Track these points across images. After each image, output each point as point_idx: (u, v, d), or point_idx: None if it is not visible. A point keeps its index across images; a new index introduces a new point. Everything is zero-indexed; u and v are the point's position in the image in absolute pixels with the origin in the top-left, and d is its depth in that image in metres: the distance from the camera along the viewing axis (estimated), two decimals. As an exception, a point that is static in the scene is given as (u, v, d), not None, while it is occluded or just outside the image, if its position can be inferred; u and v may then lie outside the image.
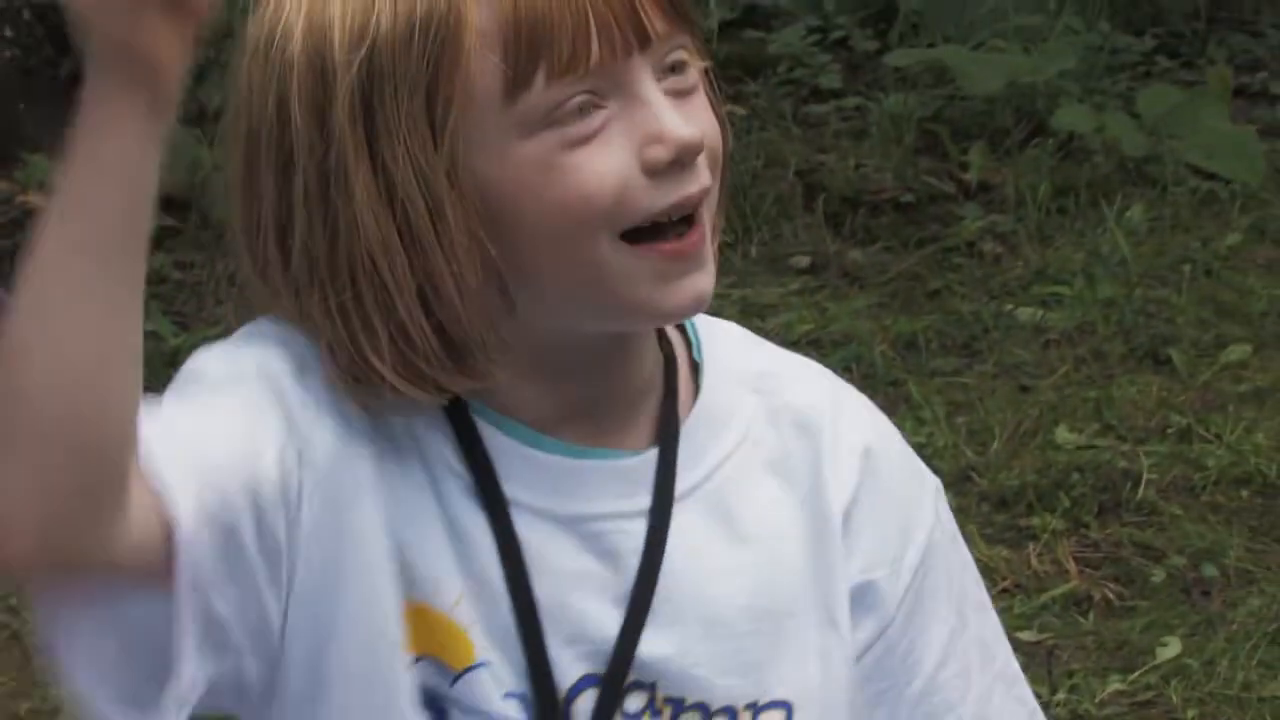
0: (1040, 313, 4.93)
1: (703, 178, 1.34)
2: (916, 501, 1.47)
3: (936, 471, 4.48)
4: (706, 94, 1.38)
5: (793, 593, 1.41)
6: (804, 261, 5.31)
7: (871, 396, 4.85)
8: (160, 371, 4.70)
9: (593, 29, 1.30)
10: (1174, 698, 3.43)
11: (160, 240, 5.33)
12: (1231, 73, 6.22)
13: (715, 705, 1.38)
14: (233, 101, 1.36)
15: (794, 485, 1.42)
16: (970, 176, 5.69)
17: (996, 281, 5.15)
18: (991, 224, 5.42)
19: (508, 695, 1.36)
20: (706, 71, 1.38)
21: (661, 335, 1.42)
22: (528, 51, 1.30)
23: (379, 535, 1.35)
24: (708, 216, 1.36)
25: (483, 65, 1.30)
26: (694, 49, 1.37)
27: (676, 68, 1.35)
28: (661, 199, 1.32)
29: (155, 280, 5.16)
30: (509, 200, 1.32)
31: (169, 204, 5.49)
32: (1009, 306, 4.98)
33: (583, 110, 1.31)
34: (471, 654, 1.36)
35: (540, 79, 1.30)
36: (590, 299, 1.34)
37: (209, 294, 5.18)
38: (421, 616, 1.36)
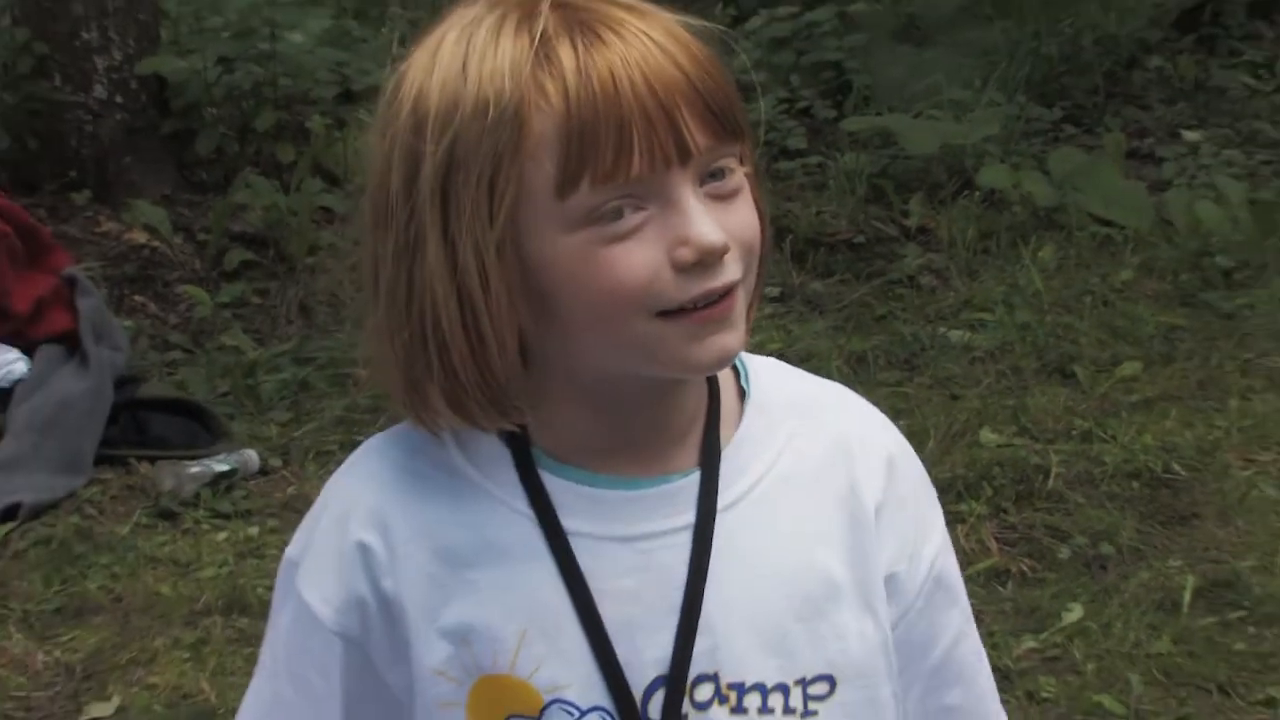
0: (968, 335, 4.92)
1: (730, 273, 1.28)
2: (929, 504, 1.43)
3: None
4: (752, 191, 1.33)
5: (831, 582, 1.36)
6: (774, 291, 5.30)
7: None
8: (240, 381, 4.66)
9: (636, 145, 1.25)
10: (1077, 654, 3.42)
11: (242, 270, 5.33)
12: (1124, 139, 6.23)
13: (770, 684, 1.34)
14: (367, 155, 1.36)
15: (830, 490, 1.38)
16: (911, 222, 5.69)
17: (932, 309, 5.14)
18: (928, 261, 5.42)
19: (592, 709, 1.33)
20: (754, 170, 1.33)
21: None
22: (576, 160, 1.25)
23: (434, 637, 1.34)
24: (741, 292, 1.31)
25: (538, 166, 1.26)
26: (746, 153, 1.32)
27: (718, 173, 1.29)
28: (688, 291, 1.27)
29: (238, 304, 5.15)
30: (555, 281, 1.28)
31: (250, 240, 5.49)
32: (942, 329, 4.97)
33: (622, 212, 1.26)
34: (540, 698, 1.33)
35: (585, 184, 1.26)
36: (627, 359, 1.31)
37: (280, 315, 5.17)
38: (489, 686, 1.33)
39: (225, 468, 4.19)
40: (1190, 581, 3.61)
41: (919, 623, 1.41)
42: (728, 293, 1.29)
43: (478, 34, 1.29)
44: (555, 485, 1.35)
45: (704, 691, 1.34)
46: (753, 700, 1.34)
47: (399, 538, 1.35)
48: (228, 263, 5.34)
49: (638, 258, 1.27)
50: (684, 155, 1.27)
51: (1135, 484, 4.05)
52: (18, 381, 4.40)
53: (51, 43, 5.74)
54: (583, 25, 1.28)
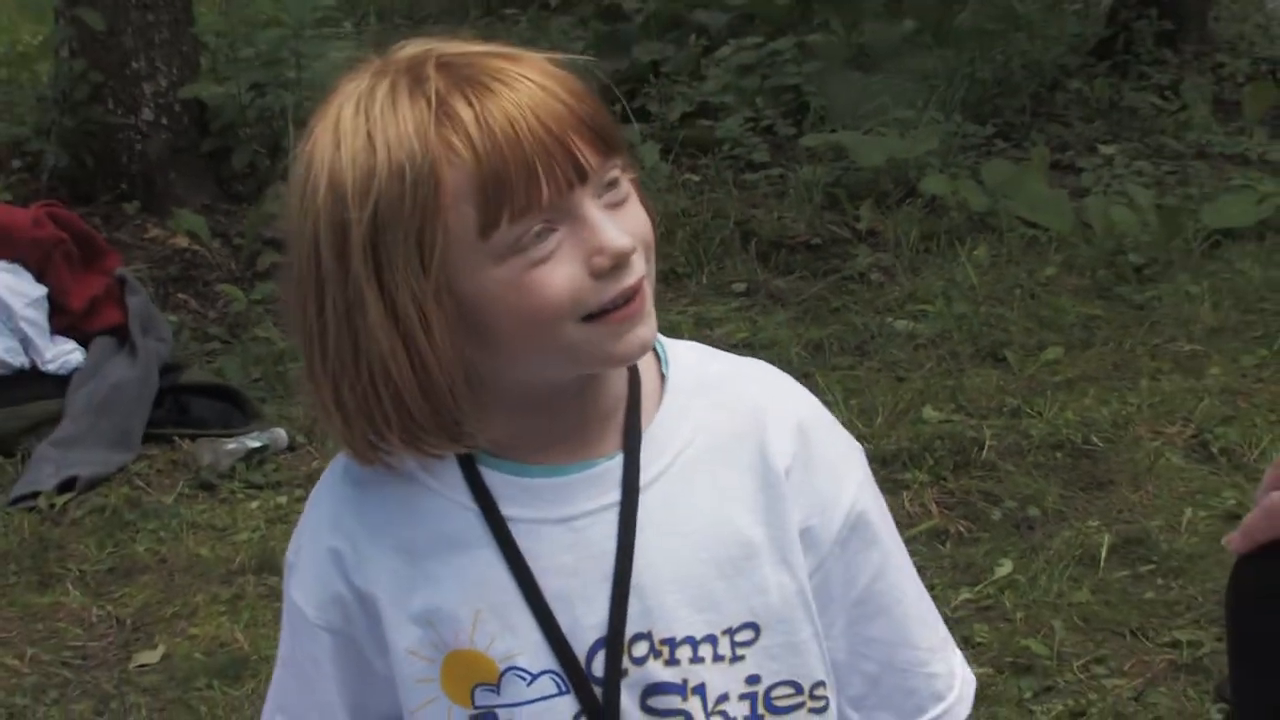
0: (912, 324, 4.90)
1: (637, 270, 1.28)
2: (845, 460, 1.41)
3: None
4: (639, 194, 1.32)
5: (748, 542, 1.35)
6: (741, 287, 5.28)
7: (788, 385, 4.75)
8: (271, 368, 4.63)
9: (541, 177, 1.24)
10: (1007, 604, 3.40)
11: (272, 271, 5.30)
12: (1048, 152, 6.22)
13: (700, 636, 1.34)
14: (286, 233, 1.32)
15: (743, 459, 1.37)
16: (861, 226, 5.67)
17: (880, 301, 5.12)
18: (877, 260, 5.40)
19: (543, 672, 1.32)
20: (638, 176, 1.33)
21: None
22: (495, 202, 1.24)
23: (405, 622, 1.34)
24: (648, 285, 1.30)
25: (459, 214, 1.24)
26: (627, 163, 1.31)
27: (611, 185, 1.28)
28: (607, 293, 1.27)
29: (269, 301, 5.11)
30: (490, 310, 1.27)
31: (280, 244, 5.45)
32: (889, 320, 4.95)
33: (540, 236, 1.25)
34: (497, 667, 1.33)
35: (505, 220, 1.24)
36: (558, 364, 1.30)
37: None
38: (456, 660, 1.34)
39: (258, 444, 4.17)
40: (1106, 539, 3.60)
41: (836, 567, 1.39)
42: (636, 293, 1.28)
43: (373, 105, 1.26)
44: (494, 479, 1.34)
45: (640, 648, 1.33)
46: (684, 652, 1.34)
47: (363, 540, 1.35)
48: (260, 264, 5.31)
49: (560, 274, 1.25)
50: (582, 175, 1.26)
51: (1058, 454, 4.04)
52: (75, 370, 4.37)
53: (105, 72, 5.70)
54: (469, 80, 1.26)
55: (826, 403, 4.84)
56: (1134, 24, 7.29)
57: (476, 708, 1.34)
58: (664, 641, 1.33)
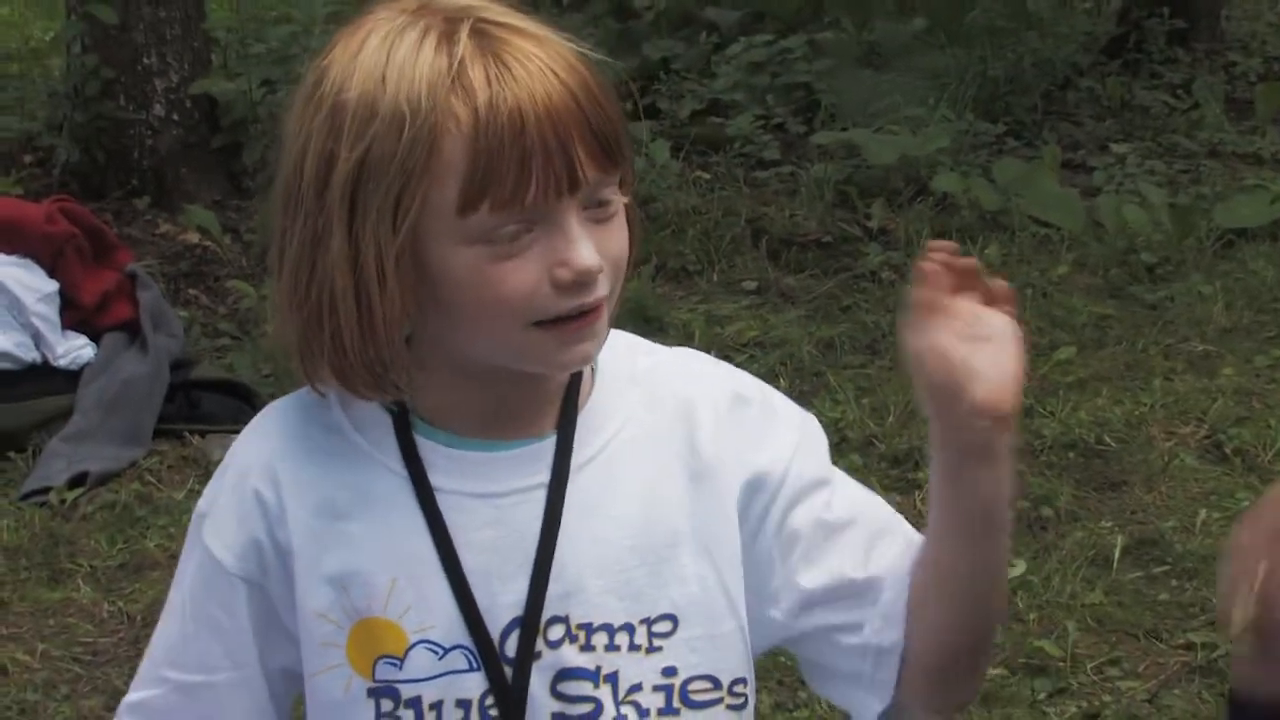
0: (923, 323, 4.88)
1: (600, 290, 1.27)
2: (781, 426, 1.38)
3: (846, 439, 4.44)
4: (628, 213, 1.30)
5: (673, 531, 1.34)
6: (752, 285, 5.26)
7: (799, 384, 4.83)
8: (282, 364, 4.59)
9: (533, 176, 1.22)
10: (1020, 604, 3.39)
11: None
12: (1060, 151, 6.20)
13: (617, 624, 1.32)
14: (282, 132, 1.32)
15: (671, 450, 1.35)
16: (873, 224, 5.66)
17: (891, 300, 5.10)
18: (888, 258, 5.38)
19: (454, 647, 1.30)
20: (633, 194, 1.31)
21: None
22: (479, 186, 1.23)
23: (318, 583, 1.32)
24: (608, 305, 1.29)
25: (442, 185, 1.23)
26: (628, 177, 1.29)
27: (602, 201, 1.27)
28: (563, 305, 1.26)
29: (280, 296, 5.11)
30: (447, 285, 1.26)
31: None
32: (901, 318, 4.93)
33: (513, 234, 1.24)
34: (406, 639, 1.31)
35: (485, 208, 1.23)
36: (500, 356, 1.30)
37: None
38: (365, 629, 1.31)
39: (269, 441, 4.15)
40: (1120, 540, 3.58)
41: (785, 520, 1.36)
42: (596, 307, 1.27)
43: (400, 44, 1.25)
44: (427, 447, 1.32)
45: (556, 631, 1.31)
46: (600, 638, 1.32)
47: (287, 491, 1.33)
48: (269, 261, 5.31)
49: (521, 275, 1.24)
50: (574, 186, 1.24)
51: (1071, 454, 4.03)
52: (86, 365, 4.37)
53: (116, 68, 5.70)
54: (495, 56, 1.24)
55: (839, 401, 4.83)
56: (1146, 22, 7.27)
57: (377, 680, 1.31)
58: (580, 626, 1.32)
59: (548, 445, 1.33)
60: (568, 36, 1.29)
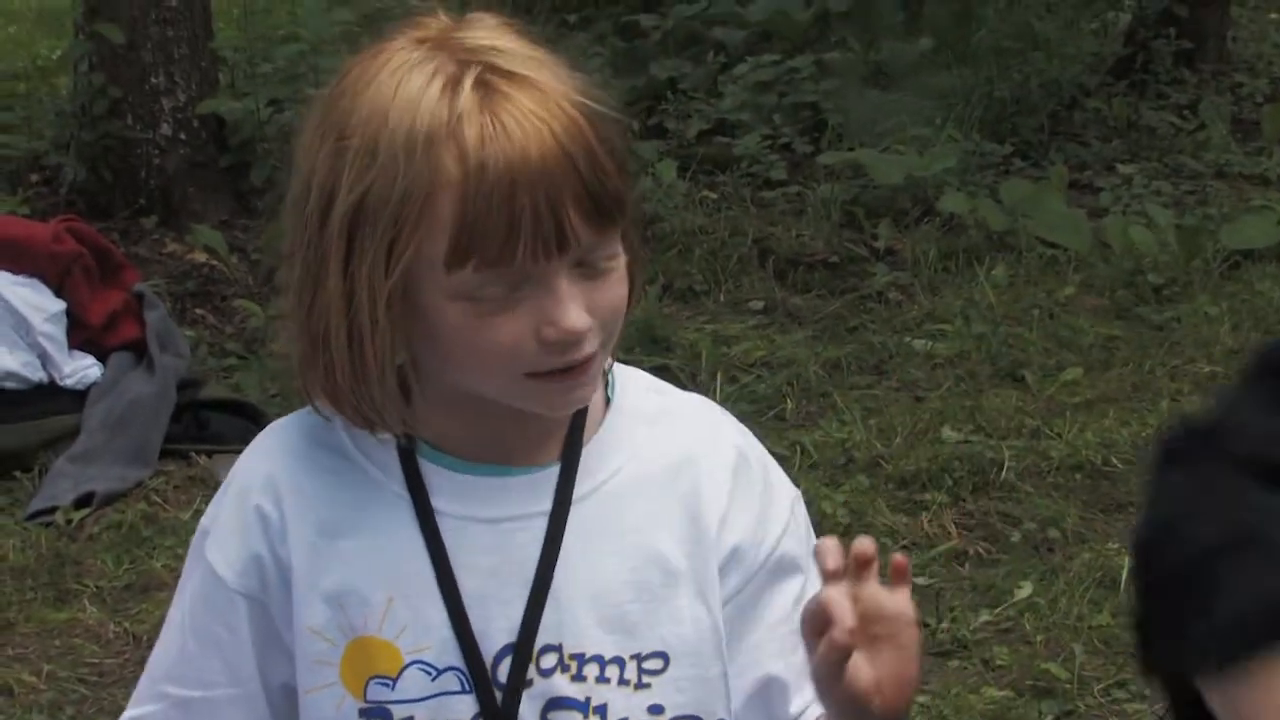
0: (930, 343, 4.89)
1: (588, 348, 1.26)
2: (774, 502, 1.39)
3: (853, 459, 4.44)
4: (628, 265, 1.29)
5: (670, 570, 1.34)
6: (759, 305, 5.27)
7: (805, 405, 4.82)
8: (289, 384, 4.59)
9: (522, 240, 1.22)
10: (1027, 626, 3.39)
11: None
12: (1066, 171, 6.20)
13: (608, 656, 1.33)
14: (296, 145, 1.33)
15: (675, 493, 1.36)
16: (879, 244, 5.66)
17: (898, 320, 5.11)
18: (895, 279, 5.39)
19: (448, 669, 1.31)
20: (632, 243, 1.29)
21: None
22: (466, 246, 1.23)
23: (315, 600, 1.32)
24: (600, 357, 1.29)
25: (434, 239, 1.24)
26: (629, 229, 1.28)
27: (595, 261, 1.26)
28: (549, 362, 1.26)
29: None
30: (439, 333, 1.27)
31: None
32: (907, 339, 4.94)
33: (502, 293, 1.25)
34: (401, 659, 1.31)
35: (470, 267, 1.23)
36: (500, 398, 1.30)
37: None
38: (359, 648, 1.32)
39: (275, 461, 4.16)
40: (1127, 562, 3.57)
41: (751, 601, 1.36)
42: (584, 363, 1.27)
43: (407, 84, 1.25)
44: (430, 470, 1.33)
45: (548, 660, 1.32)
46: (591, 670, 1.32)
47: (289, 507, 1.33)
48: (278, 280, 5.31)
49: (508, 330, 1.25)
50: (564, 248, 1.23)
51: (1078, 476, 4.03)
52: (92, 385, 4.37)
53: (124, 87, 5.71)
54: (494, 113, 1.23)
55: (845, 422, 4.84)
56: (1152, 43, 7.27)
57: (368, 701, 1.32)
58: (573, 656, 1.32)
59: (551, 474, 1.34)
60: (579, 84, 1.28)
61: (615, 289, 1.28)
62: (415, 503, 1.32)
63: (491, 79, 1.25)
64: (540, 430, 1.34)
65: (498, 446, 1.34)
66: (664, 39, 7.50)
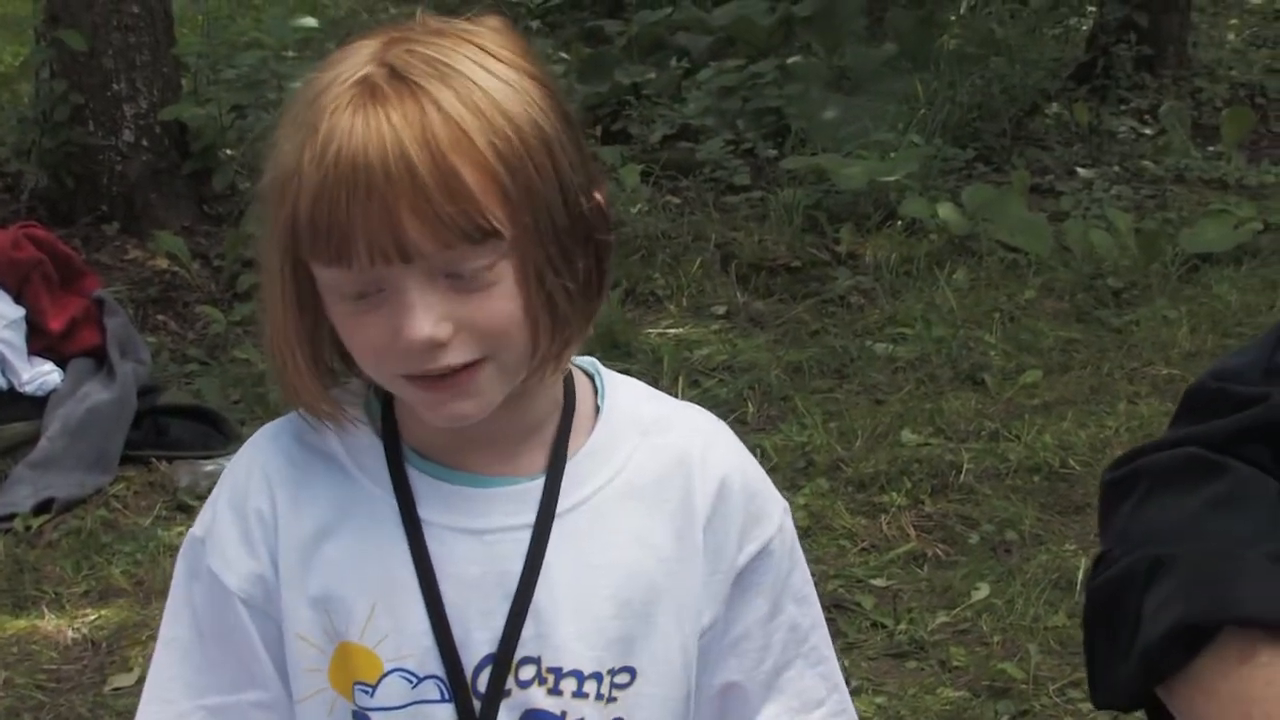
0: (891, 347, 4.91)
1: (453, 357, 1.24)
2: (757, 519, 1.38)
3: (814, 463, 4.43)
4: (519, 282, 1.24)
5: (652, 588, 1.34)
6: (721, 309, 5.28)
7: (767, 408, 4.81)
8: (250, 390, 4.60)
9: (357, 244, 1.21)
10: (985, 627, 3.40)
11: (252, 292, 5.29)
12: (1028, 176, 6.24)
13: (586, 671, 1.33)
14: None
15: (664, 505, 1.35)
16: (841, 249, 5.68)
17: (860, 324, 5.13)
18: (856, 283, 5.41)
19: (428, 677, 1.31)
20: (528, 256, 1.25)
21: (566, 384, 1.36)
22: (310, 240, 1.23)
23: (301, 604, 1.33)
24: (485, 369, 1.26)
25: (296, 229, 1.25)
26: (518, 238, 1.23)
27: (459, 274, 1.23)
28: (411, 368, 1.25)
29: (248, 322, 5.11)
30: (337, 326, 1.30)
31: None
32: (869, 342, 4.96)
33: (361, 295, 1.24)
34: (381, 667, 1.31)
35: (318, 264, 1.24)
36: (400, 396, 1.32)
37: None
38: (344, 653, 1.32)
39: (236, 466, 4.15)
40: (1083, 563, 3.60)
41: (716, 623, 1.38)
42: (463, 368, 1.25)
43: (331, 73, 1.26)
44: (417, 478, 1.33)
45: (527, 671, 1.32)
46: (569, 684, 1.33)
47: (281, 509, 1.34)
48: (240, 285, 5.30)
49: (371, 332, 1.25)
50: (405, 257, 1.22)
51: (1036, 478, 4.05)
52: (52, 391, 4.36)
53: (86, 93, 5.70)
54: (364, 113, 1.22)
55: (806, 425, 4.84)
56: (1113, 49, 7.33)
57: (356, 706, 1.32)
58: (551, 670, 1.32)
59: (537, 485, 1.33)
60: (510, 101, 1.24)
61: (495, 303, 1.24)
62: (401, 510, 1.32)
63: (382, 83, 1.23)
64: (523, 435, 1.34)
65: (474, 454, 1.33)
66: (628, 45, 7.52)
